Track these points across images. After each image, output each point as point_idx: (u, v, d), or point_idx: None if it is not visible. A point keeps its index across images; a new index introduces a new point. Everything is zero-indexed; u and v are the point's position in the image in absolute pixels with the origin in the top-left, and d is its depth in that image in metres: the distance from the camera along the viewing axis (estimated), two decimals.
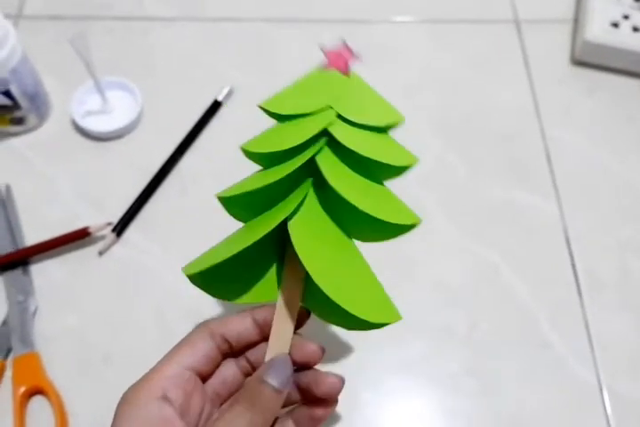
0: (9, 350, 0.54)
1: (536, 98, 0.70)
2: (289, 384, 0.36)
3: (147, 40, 0.72)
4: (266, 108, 0.39)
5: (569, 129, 0.68)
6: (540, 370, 0.55)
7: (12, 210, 0.61)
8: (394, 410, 0.53)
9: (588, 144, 0.67)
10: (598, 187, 0.65)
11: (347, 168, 0.37)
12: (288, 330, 0.37)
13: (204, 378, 0.38)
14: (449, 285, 0.59)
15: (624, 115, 0.69)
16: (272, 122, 0.68)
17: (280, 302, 0.38)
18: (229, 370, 0.39)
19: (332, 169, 0.36)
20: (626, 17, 0.70)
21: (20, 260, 0.58)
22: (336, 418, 0.53)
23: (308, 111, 0.37)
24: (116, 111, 0.66)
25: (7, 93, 0.60)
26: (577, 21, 0.74)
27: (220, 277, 0.40)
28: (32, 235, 0.60)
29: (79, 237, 0.58)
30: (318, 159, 0.36)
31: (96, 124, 0.64)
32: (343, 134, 0.36)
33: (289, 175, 0.36)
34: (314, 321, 0.41)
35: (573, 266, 0.60)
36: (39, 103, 0.64)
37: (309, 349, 0.38)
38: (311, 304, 0.38)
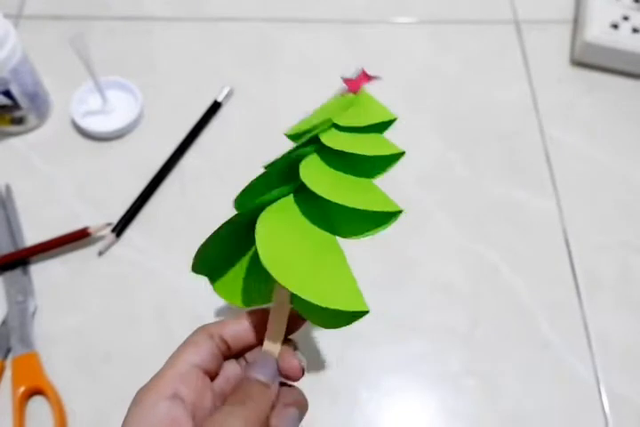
0: (8, 350, 0.54)
1: (536, 98, 0.70)
2: (277, 378, 0.36)
3: (147, 40, 0.73)
4: (286, 134, 0.41)
5: (568, 129, 0.68)
6: (539, 369, 0.55)
7: (11, 210, 0.61)
8: (394, 409, 0.53)
9: (587, 144, 0.67)
10: (597, 186, 0.65)
11: (329, 169, 0.39)
12: (280, 332, 0.37)
13: (212, 377, 0.38)
14: (449, 284, 0.59)
15: (623, 115, 0.69)
16: (270, 122, 0.68)
17: (273, 305, 0.38)
18: (231, 369, 0.39)
19: (310, 169, 0.37)
20: (625, 18, 0.70)
21: (20, 260, 0.58)
22: (336, 417, 0.53)
23: (310, 127, 0.39)
24: (116, 111, 0.66)
25: (7, 93, 0.60)
26: (577, 22, 0.74)
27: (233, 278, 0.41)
28: (32, 235, 0.60)
29: (79, 238, 0.58)
30: (302, 164, 0.37)
31: (96, 124, 0.64)
32: (329, 138, 0.38)
33: (271, 174, 0.38)
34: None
35: (572, 266, 0.60)
36: (39, 103, 0.64)
37: (291, 363, 0.37)
38: (297, 305, 0.38)
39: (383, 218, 0.39)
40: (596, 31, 0.70)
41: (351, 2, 0.76)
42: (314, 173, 0.37)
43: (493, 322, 0.57)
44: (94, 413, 0.52)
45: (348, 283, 0.37)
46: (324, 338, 0.56)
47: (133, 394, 0.34)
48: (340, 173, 0.39)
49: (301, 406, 0.38)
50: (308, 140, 0.38)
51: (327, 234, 0.39)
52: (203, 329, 0.38)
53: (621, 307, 0.58)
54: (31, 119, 0.64)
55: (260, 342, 0.39)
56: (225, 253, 0.41)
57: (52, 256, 0.59)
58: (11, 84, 0.59)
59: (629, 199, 0.64)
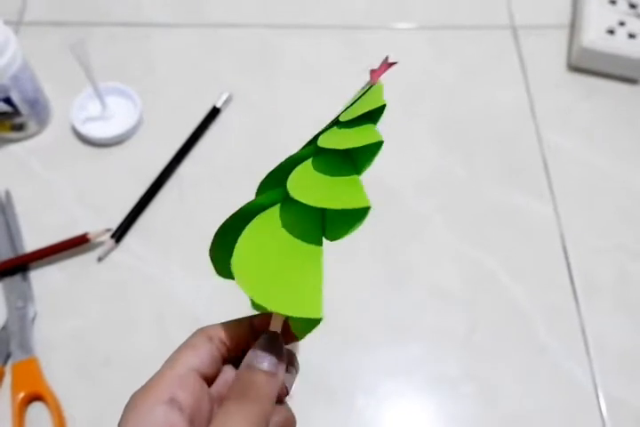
0: (8, 356, 0.54)
1: (533, 103, 0.70)
2: (281, 364, 0.33)
3: (146, 46, 0.73)
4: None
5: (565, 134, 0.68)
6: (537, 373, 0.56)
7: (11, 215, 0.61)
8: (391, 414, 0.54)
9: (584, 149, 0.67)
10: (594, 191, 0.65)
11: (318, 172, 0.38)
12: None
13: (209, 382, 0.36)
14: (447, 289, 0.59)
15: (620, 120, 0.70)
16: (269, 128, 0.69)
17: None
18: (230, 373, 0.38)
19: (297, 175, 0.37)
20: (622, 23, 0.71)
21: (20, 266, 0.58)
22: (332, 421, 0.53)
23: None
24: (116, 117, 0.66)
25: (7, 100, 0.60)
26: (573, 27, 0.75)
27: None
28: (31, 240, 0.60)
29: (78, 244, 0.58)
30: (292, 172, 0.37)
31: (95, 131, 0.65)
32: (323, 138, 0.38)
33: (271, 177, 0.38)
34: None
35: (570, 270, 0.60)
36: (39, 109, 0.64)
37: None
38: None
39: (361, 214, 0.39)
40: (593, 36, 0.70)
41: (351, 8, 0.77)
42: (300, 180, 0.37)
43: (491, 326, 0.58)
44: (93, 418, 0.52)
45: (311, 292, 0.37)
46: (322, 341, 0.56)
47: None
48: (328, 176, 0.39)
49: (294, 361, 0.37)
50: (310, 141, 0.38)
51: (305, 244, 0.39)
52: (202, 331, 0.37)
53: (618, 311, 0.59)
54: (31, 126, 0.64)
55: None
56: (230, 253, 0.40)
57: (51, 262, 0.59)
58: (11, 90, 0.59)
59: (627, 204, 0.64)
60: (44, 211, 0.62)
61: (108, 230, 0.59)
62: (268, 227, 0.37)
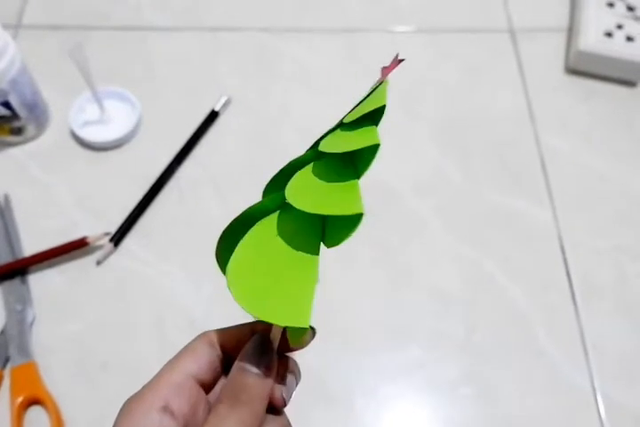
0: (7, 360, 0.54)
1: (531, 106, 0.70)
2: (272, 366, 0.33)
3: (145, 50, 0.73)
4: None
5: (563, 136, 0.68)
6: (536, 377, 0.56)
7: (10, 219, 0.61)
8: (390, 417, 0.54)
9: (583, 151, 0.68)
10: (592, 194, 0.65)
11: (317, 178, 0.38)
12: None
13: (207, 388, 0.35)
14: (445, 292, 0.59)
15: (618, 122, 0.70)
16: (267, 131, 0.69)
17: None
18: None
19: (296, 179, 0.36)
20: (619, 26, 0.71)
21: (19, 269, 0.58)
22: (333, 423, 0.53)
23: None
24: (114, 121, 0.66)
25: (6, 104, 0.60)
26: (571, 31, 0.75)
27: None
28: (30, 244, 0.60)
29: (77, 247, 0.58)
30: (291, 179, 0.37)
31: (94, 134, 0.65)
32: (325, 142, 0.37)
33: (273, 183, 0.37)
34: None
35: (568, 273, 0.60)
36: (38, 113, 0.65)
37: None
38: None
39: (355, 221, 0.39)
40: (591, 40, 0.70)
41: (349, 11, 0.77)
42: (298, 186, 0.36)
43: (490, 330, 0.58)
44: (92, 421, 0.52)
45: (301, 300, 0.37)
46: (321, 344, 0.56)
47: None
48: (326, 182, 0.38)
49: (296, 372, 0.36)
50: (314, 143, 0.38)
51: (301, 253, 0.38)
52: (204, 336, 0.36)
53: (617, 314, 0.59)
54: (30, 129, 0.65)
55: None
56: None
57: (50, 265, 0.59)
58: (10, 94, 0.59)
59: (625, 206, 0.64)
60: (43, 214, 0.62)
61: (107, 234, 0.59)
62: (265, 234, 0.37)
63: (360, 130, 0.39)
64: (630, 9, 0.72)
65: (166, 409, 0.32)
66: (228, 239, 0.37)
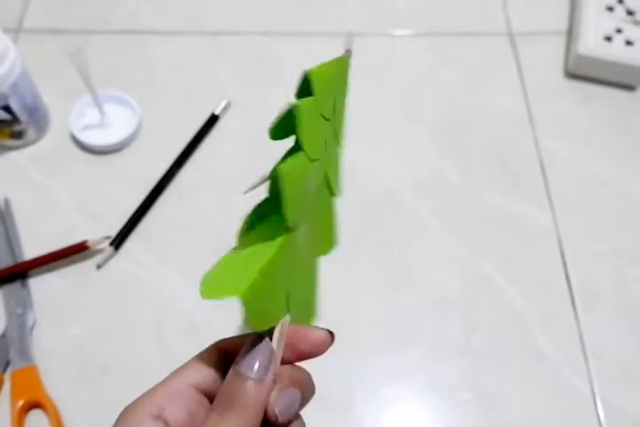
0: (7, 363, 0.54)
1: (530, 109, 0.70)
2: (269, 370, 0.31)
3: (145, 54, 0.73)
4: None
5: (562, 140, 0.69)
6: (535, 380, 0.56)
7: (10, 223, 0.61)
8: (390, 419, 0.54)
9: (581, 155, 0.68)
10: (592, 197, 0.65)
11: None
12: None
13: (213, 399, 0.32)
14: (444, 295, 0.59)
15: (617, 126, 0.70)
16: (267, 135, 0.69)
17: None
18: None
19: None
20: (619, 31, 0.71)
21: (19, 273, 0.58)
22: (332, 425, 0.53)
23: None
24: (115, 125, 0.66)
25: (7, 108, 0.60)
26: (570, 34, 0.75)
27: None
28: (31, 247, 0.60)
29: (77, 251, 0.58)
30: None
31: (94, 138, 0.65)
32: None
33: None
34: None
35: (567, 277, 0.60)
36: (38, 117, 0.65)
37: (315, 336, 0.33)
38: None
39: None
40: (590, 43, 0.70)
41: (348, 15, 0.77)
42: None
43: (489, 333, 0.58)
44: (92, 426, 0.52)
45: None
46: None
47: None
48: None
49: (304, 385, 0.33)
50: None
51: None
52: (214, 345, 0.34)
53: (616, 318, 0.59)
54: (30, 133, 0.65)
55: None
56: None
57: (50, 269, 0.59)
58: (10, 98, 0.60)
59: (624, 210, 0.65)
60: (44, 218, 0.62)
61: (107, 238, 0.59)
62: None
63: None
64: (630, 13, 0.72)
65: (160, 417, 0.31)
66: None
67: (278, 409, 0.31)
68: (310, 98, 0.35)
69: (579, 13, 0.74)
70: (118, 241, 0.60)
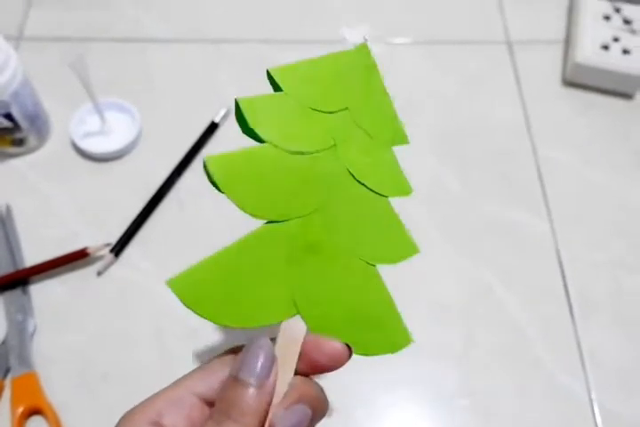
0: (8, 370, 0.55)
1: (528, 117, 0.71)
2: (270, 375, 0.29)
3: (145, 61, 0.74)
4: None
5: (560, 148, 0.69)
6: (533, 387, 0.56)
7: (11, 229, 0.61)
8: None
9: (579, 163, 0.68)
10: (590, 205, 0.66)
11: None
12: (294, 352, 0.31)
13: None
14: (443, 303, 0.60)
15: (615, 135, 0.70)
16: None
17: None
18: None
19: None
20: (616, 39, 0.71)
21: (20, 279, 0.58)
22: None
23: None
24: (115, 132, 0.67)
25: (8, 116, 0.60)
26: (568, 43, 0.76)
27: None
28: (32, 254, 0.60)
29: (78, 258, 0.59)
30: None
31: (95, 146, 0.65)
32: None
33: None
34: None
35: (565, 285, 0.61)
36: (39, 124, 0.65)
37: (331, 348, 0.31)
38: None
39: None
40: (587, 52, 0.71)
41: (347, 23, 0.77)
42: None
43: (487, 341, 0.58)
44: None
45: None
46: None
47: None
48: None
49: (315, 402, 0.31)
50: None
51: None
52: (224, 353, 0.32)
53: (614, 325, 0.59)
54: (31, 140, 0.65)
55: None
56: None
57: (51, 276, 0.59)
58: (12, 106, 0.60)
59: (622, 218, 0.65)
60: (44, 224, 0.62)
61: (108, 245, 0.60)
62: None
63: None
64: (626, 22, 0.73)
65: (158, 424, 0.30)
66: None
67: (281, 425, 0.29)
68: (279, 93, 0.37)
69: (576, 22, 0.75)
70: (118, 248, 0.60)
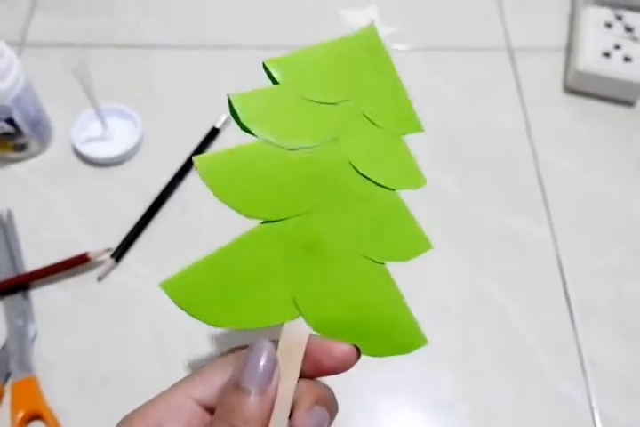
0: (8, 375, 0.54)
1: (529, 124, 0.71)
2: (272, 381, 0.28)
3: (147, 67, 0.74)
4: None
5: (561, 155, 0.69)
6: (533, 394, 0.56)
7: (12, 234, 0.61)
8: None
9: (580, 170, 0.68)
10: (591, 212, 0.66)
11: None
12: (298, 355, 0.30)
13: None
14: (442, 308, 0.60)
15: (617, 142, 0.70)
16: None
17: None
18: None
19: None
20: (617, 47, 0.71)
21: (21, 284, 0.58)
22: None
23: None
24: (116, 138, 0.67)
25: (10, 121, 0.61)
26: (569, 50, 0.76)
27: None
28: (33, 259, 0.60)
29: (79, 263, 0.59)
30: None
31: (96, 151, 0.65)
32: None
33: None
34: None
35: (566, 291, 0.61)
36: (41, 130, 0.65)
37: (338, 350, 0.30)
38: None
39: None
40: (589, 59, 0.71)
41: (347, 30, 0.77)
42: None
43: (487, 347, 0.58)
44: None
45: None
46: None
47: None
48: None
49: (330, 404, 0.31)
50: None
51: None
52: (225, 356, 0.31)
53: (615, 332, 0.59)
54: (33, 146, 0.65)
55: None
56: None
57: (52, 281, 0.59)
58: (13, 111, 0.60)
59: (623, 225, 0.65)
60: (46, 230, 0.62)
61: (108, 250, 0.60)
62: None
63: None
64: (628, 29, 0.73)
65: None
66: None
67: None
68: (274, 86, 0.34)
69: (577, 29, 0.75)
70: (119, 253, 0.60)
